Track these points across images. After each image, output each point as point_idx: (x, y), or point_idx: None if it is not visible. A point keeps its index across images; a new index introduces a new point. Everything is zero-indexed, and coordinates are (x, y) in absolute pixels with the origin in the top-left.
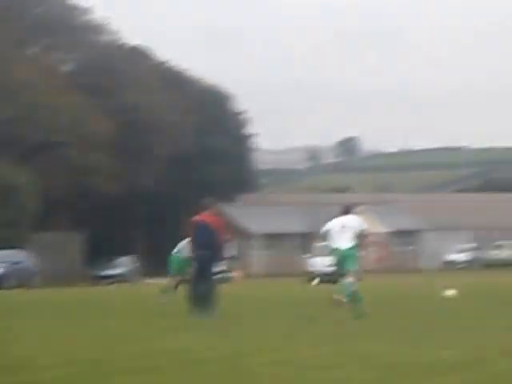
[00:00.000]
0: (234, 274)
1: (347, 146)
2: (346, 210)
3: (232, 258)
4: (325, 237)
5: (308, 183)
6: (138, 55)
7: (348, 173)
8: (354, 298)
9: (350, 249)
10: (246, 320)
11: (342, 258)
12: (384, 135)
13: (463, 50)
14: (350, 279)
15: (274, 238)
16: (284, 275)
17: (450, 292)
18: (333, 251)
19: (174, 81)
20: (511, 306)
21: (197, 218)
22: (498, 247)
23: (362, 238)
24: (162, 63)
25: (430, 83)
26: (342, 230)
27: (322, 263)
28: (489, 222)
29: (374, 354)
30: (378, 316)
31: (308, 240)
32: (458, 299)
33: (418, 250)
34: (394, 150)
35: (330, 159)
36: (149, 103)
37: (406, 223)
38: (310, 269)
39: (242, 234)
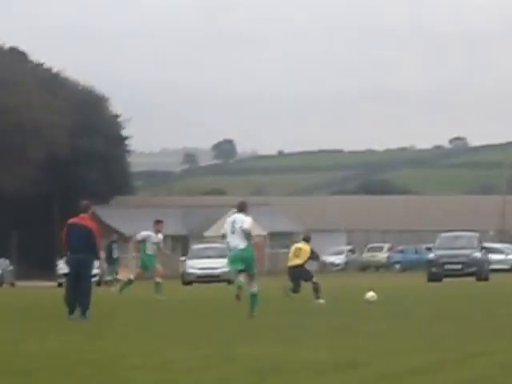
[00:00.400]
0: (119, 276)
1: (224, 148)
2: (241, 208)
3: (116, 260)
4: (224, 236)
5: (184, 186)
6: (14, 56)
7: (225, 175)
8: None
9: (245, 249)
10: (120, 322)
11: (240, 259)
12: (261, 138)
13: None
14: (242, 278)
15: None
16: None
17: (371, 295)
18: (230, 252)
19: (50, 82)
20: (391, 309)
21: (73, 220)
22: (373, 250)
23: (249, 237)
24: (39, 64)
25: (303, 88)
26: (234, 229)
27: (197, 266)
28: (365, 224)
29: (249, 355)
30: (257, 317)
31: (184, 242)
32: (376, 302)
33: None
34: (271, 152)
35: (206, 162)
36: (23, 104)
37: (281, 225)
38: (187, 271)
39: (117, 237)
